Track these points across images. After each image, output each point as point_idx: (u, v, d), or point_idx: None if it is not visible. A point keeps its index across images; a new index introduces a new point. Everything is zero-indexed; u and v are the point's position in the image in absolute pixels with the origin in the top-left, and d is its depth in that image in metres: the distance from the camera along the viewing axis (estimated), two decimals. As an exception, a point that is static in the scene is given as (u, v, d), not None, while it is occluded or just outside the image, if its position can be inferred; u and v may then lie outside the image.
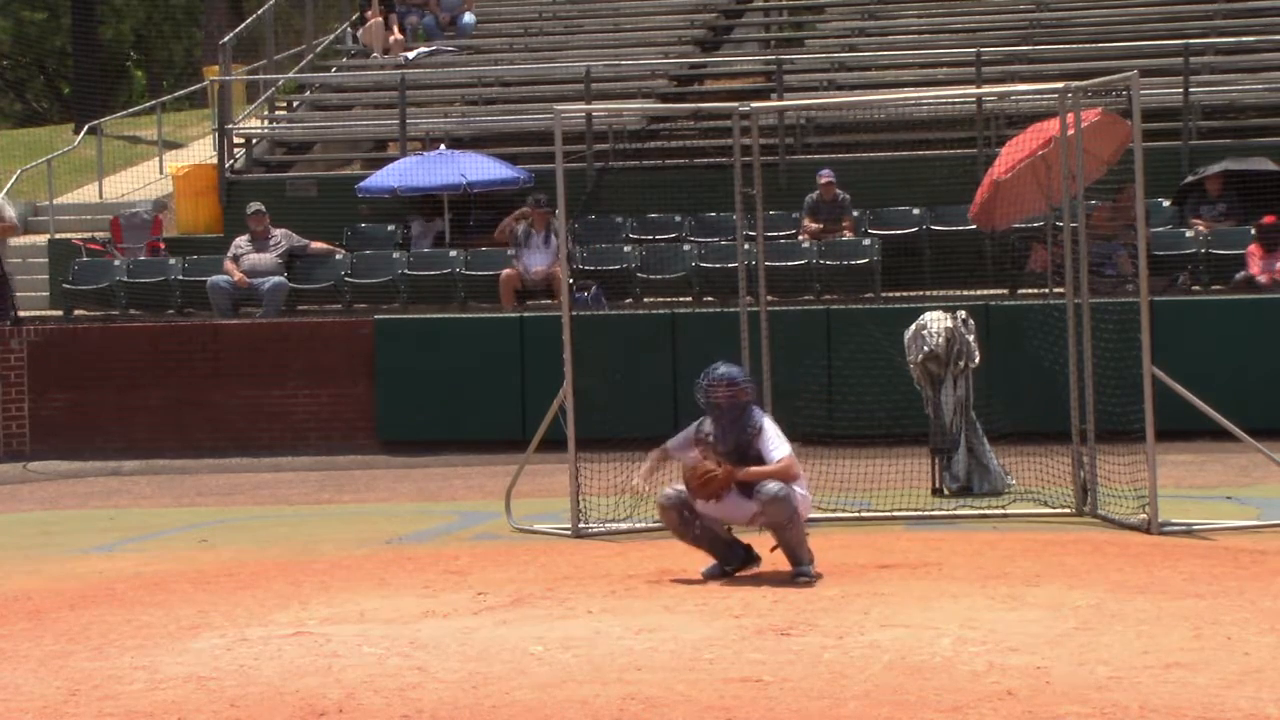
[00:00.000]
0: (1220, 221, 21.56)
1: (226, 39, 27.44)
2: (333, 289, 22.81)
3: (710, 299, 21.03)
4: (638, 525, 14.19)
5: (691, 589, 11.17)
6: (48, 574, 12.81)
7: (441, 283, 22.49)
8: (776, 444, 11.38)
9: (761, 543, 11.54)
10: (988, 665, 8.69)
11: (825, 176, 22.13)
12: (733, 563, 11.56)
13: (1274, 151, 22.39)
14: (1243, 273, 20.43)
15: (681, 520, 11.51)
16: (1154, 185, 16.93)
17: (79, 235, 25.03)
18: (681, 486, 11.49)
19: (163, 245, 24.79)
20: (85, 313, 23.08)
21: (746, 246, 15.23)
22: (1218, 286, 20.74)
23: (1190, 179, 22.13)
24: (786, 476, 11.29)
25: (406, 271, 22.56)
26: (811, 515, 14.30)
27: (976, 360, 15.46)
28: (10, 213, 22.60)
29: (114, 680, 8.98)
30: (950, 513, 14.56)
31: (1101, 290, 17.29)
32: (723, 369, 11.71)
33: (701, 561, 11.64)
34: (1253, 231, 20.72)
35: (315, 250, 23.28)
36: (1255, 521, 13.63)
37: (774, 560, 11.48)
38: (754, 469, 11.30)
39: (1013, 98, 21.64)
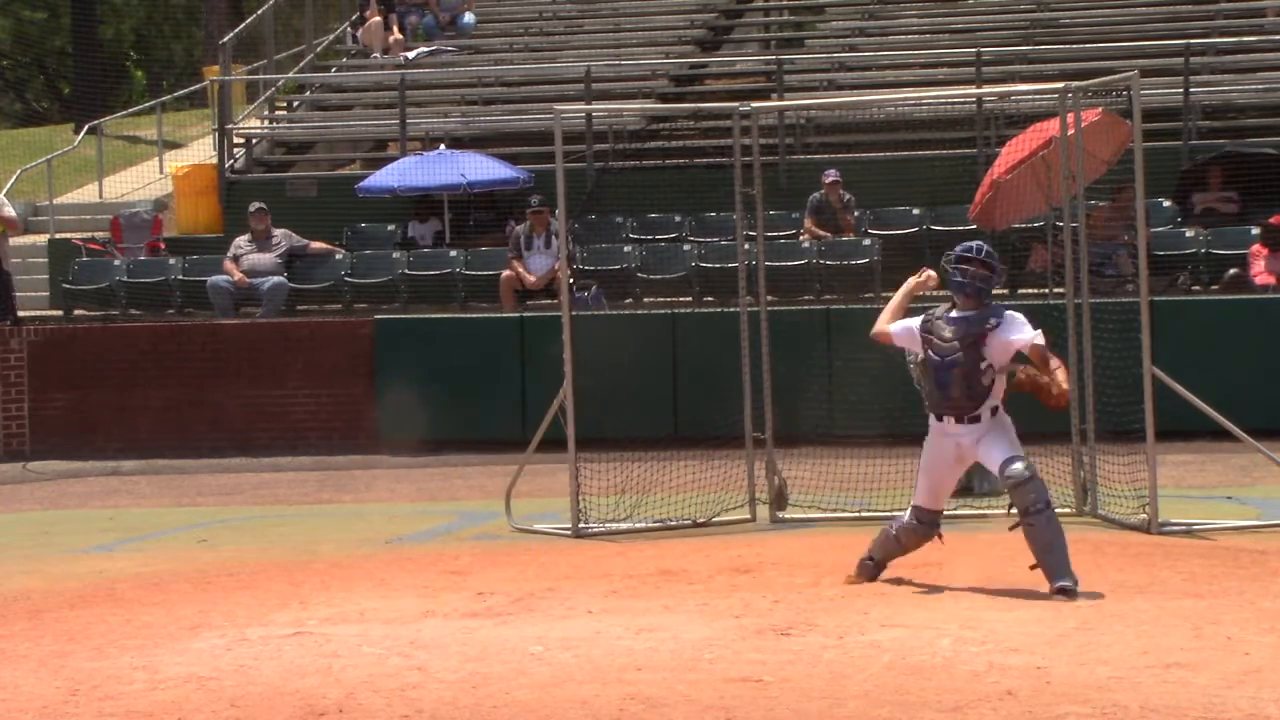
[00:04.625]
0: (1222, 204, 21.61)
1: (226, 39, 27.43)
2: (333, 289, 22.81)
3: (710, 299, 21.02)
4: (638, 525, 14.21)
5: (692, 589, 11.17)
6: (48, 574, 12.81)
7: (441, 283, 22.49)
8: (1025, 329, 10.69)
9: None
10: (988, 665, 8.70)
11: (830, 176, 22.11)
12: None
13: (1274, 151, 22.45)
14: (1233, 270, 20.42)
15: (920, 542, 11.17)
16: (1154, 185, 16.93)
17: (79, 235, 25.02)
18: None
19: (163, 245, 24.78)
20: (85, 313, 23.06)
21: (746, 246, 15.23)
22: (1218, 286, 20.75)
23: (1188, 166, 22.22)
24: (1064, 372, 10.76)
25: (406, 271, 22.56)
26: (811, 515, 14.40)
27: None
28: (10, 211, 22.59)
29: (114, 680, 8.98)
30: (950, 513, 14.52)
31: (1101, 290, 17.29)
32: (980, 244, 11.08)
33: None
34: (1255, 231, 20.72)
35: (315, 250, 23.28)
36: (1255, 521, 13.64)
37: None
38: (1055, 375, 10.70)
39: (1013, 98, 21.62)
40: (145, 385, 20.58)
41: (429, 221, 23.91)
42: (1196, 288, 20.75)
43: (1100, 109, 15.54)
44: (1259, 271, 20.34)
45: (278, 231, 22.99)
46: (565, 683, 8.61)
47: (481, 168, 23.49)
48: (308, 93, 28.68)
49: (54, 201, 26.71)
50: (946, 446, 10.91)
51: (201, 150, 28.04)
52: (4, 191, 25.40)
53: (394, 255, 23.08)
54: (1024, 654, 8.93)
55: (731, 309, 15.51)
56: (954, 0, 28.70)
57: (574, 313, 14.74)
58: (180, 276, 23.16)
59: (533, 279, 21.89)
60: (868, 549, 11.26)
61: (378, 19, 29.30)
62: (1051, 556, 10.56)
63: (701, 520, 14.22)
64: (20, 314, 21.91)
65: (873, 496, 14.89)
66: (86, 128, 29.36)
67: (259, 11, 29.55)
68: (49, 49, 50.20)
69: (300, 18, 31.10)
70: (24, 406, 20.73)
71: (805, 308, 19.98)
